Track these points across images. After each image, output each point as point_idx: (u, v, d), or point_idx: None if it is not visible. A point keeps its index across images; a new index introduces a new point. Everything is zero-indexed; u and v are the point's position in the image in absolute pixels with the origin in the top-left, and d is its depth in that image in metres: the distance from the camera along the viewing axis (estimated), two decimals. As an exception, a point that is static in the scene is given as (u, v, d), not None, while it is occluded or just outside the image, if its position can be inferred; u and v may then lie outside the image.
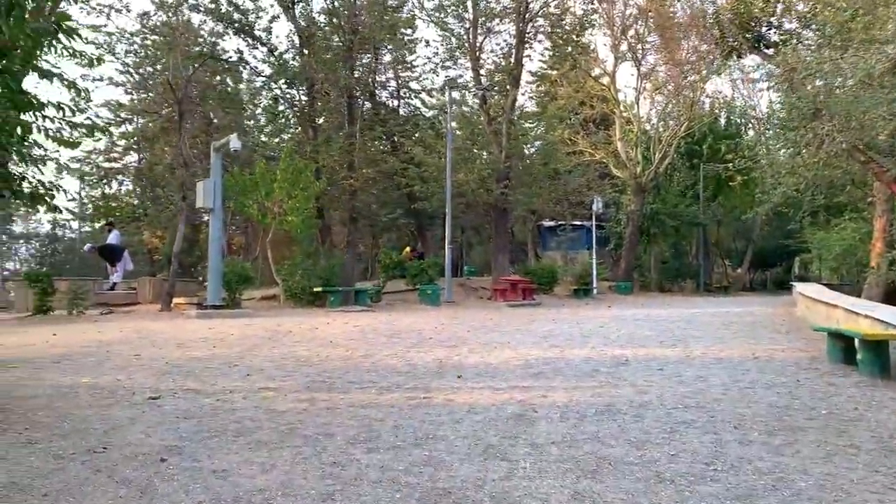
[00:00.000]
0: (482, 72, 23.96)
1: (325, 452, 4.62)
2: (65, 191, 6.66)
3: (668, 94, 30.25)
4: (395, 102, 28.18)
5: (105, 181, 27.75)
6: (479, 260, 46.09)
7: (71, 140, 7.80)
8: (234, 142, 12.78)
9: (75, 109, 6.51)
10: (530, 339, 10.68)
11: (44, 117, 6.93)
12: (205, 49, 19.46)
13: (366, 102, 22.54)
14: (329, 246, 17.66)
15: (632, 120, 30.33)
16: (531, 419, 5.58)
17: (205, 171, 15.57)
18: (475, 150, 22.77)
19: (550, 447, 4.70)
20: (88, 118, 7.68)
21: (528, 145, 26.52)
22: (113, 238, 18.74)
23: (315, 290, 15.47)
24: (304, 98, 20.66)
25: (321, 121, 20.80)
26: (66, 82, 7.37)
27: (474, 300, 20.80)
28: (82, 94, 7.70)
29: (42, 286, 14.38)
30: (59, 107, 6.70)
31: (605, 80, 30.21)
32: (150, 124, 22.96)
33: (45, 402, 5.87)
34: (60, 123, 7.42)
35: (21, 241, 31.04)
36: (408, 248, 28.42)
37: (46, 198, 6.49)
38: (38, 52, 6.30)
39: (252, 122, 21.54)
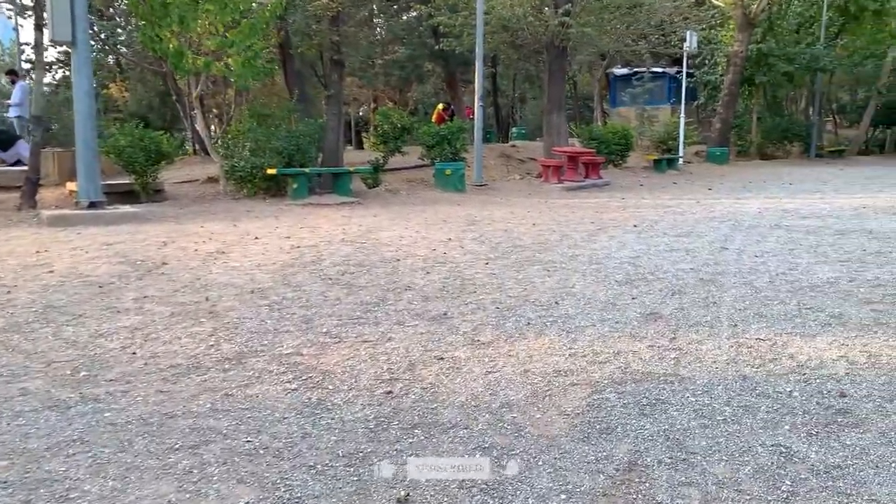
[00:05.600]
0: None
1: None
2: None
3: None
4: None
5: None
6: (533, 120, 40.09)
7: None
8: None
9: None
10: (599, 285, 5.82)
11: None
12: None
13: None
14: (298, 103, 12.42)
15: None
16: None
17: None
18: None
19: None
20: None
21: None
22: (16, 95, 14.15)
23: (269, 171, 10.61)
24: None
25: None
26: None
27: (517, 181, 15.72)
28: None
29: None
30: None
31: None
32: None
33: None
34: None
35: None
36: (440, 106, 22.99)
37: None
38: None
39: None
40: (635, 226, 9.00)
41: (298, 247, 7.30)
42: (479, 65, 14.35)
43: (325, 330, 4.67)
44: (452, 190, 12.87)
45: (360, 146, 28.60)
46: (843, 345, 4.30)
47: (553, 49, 16.57)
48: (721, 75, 24.63)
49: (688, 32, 19.78)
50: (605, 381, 3.76)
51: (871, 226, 8.78)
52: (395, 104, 31.04)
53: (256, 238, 7.84)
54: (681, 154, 20.40)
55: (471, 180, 13.89)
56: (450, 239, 7.90)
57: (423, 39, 20.82)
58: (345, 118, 32.35)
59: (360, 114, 36.33)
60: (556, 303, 5.30)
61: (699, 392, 3.60)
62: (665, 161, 19.28)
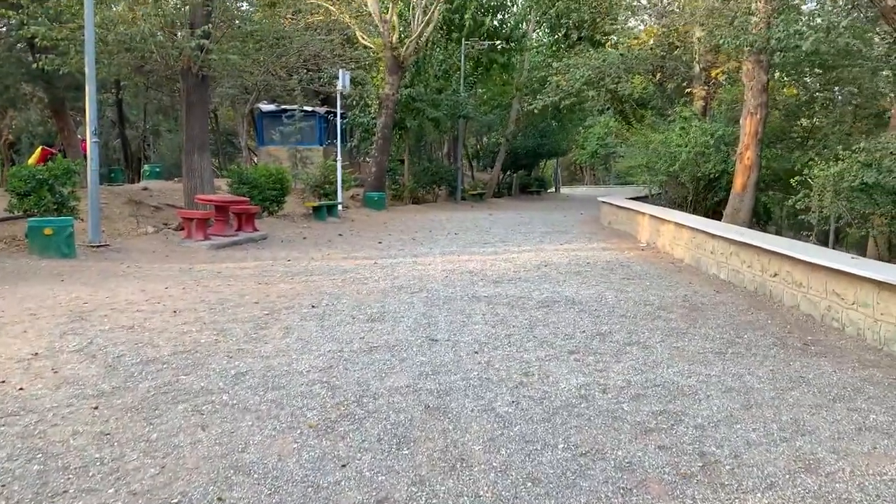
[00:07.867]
0: None
1: None
2: None
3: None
4: None
5: None
6: (170, 156, 36.02)
7: None
8: None
9: None
10: (286, 439, 3.86)
11: None
12: None
13: None
14: None
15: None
16: None
17: None
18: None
19: None
20: None
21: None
22: None
23: None
24: None
25: None
26: None
27: (151, 237, 12.76)
28: None
29: None
30: None
31: None
32: None
33: None
34: None
35: None
36: (39, 149, 18.83)
37: None
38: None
39: None
40: (313, 306, 7.10)
41: None
42: (90, 90, 11.32)
43: None
44: (56, 255, 9.60)
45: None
46: (675, 540, 2.88)
47: (191, 77, 14.06)
48: (373, 118, 24.25)
49: (340, 71, 18.78)
50: None
51: (567, 293, 8.08)
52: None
53: None
54: (340, 200, 19.22)
55: (85, 240, 10.71)
56: (36, 354, 5.14)
57: (17, 54, 16.59)
58: None
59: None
60: (220, 498, 3.13)
61: None
62: (325, 208, 17.86)
